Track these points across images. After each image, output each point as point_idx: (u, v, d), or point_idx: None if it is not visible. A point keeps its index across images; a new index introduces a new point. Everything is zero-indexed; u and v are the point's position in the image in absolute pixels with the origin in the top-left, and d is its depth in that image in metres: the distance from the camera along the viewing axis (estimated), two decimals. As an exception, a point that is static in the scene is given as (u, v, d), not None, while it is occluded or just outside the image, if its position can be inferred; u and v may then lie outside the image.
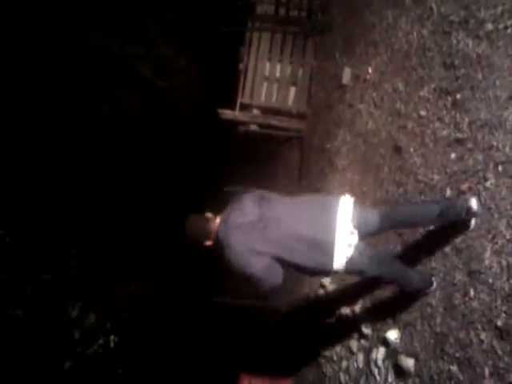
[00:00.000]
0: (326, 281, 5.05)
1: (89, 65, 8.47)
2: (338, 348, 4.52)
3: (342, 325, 4.47)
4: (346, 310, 4.43)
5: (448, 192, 3.02)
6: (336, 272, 2.65)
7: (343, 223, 2.58)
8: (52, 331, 8.82)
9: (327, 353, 4.77)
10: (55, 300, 9.15)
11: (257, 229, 2.61)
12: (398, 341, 3.38)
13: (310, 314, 5.49)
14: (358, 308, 4.18)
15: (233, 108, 6.66)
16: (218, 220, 2.73)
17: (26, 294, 8.94)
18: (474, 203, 2.58)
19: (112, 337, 9.64)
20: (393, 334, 3.42)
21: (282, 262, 2.63)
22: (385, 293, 3.74)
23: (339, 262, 2.56)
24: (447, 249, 2.94)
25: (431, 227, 3.08)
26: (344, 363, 4.32)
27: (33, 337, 8.51)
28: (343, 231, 2.56)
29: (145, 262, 10.15)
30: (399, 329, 3.40)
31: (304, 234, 2.57)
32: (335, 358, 4.55)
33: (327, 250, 2.54)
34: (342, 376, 4.33)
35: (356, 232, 2.60)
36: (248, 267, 2.61)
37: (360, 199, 4.49)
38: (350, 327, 4.30)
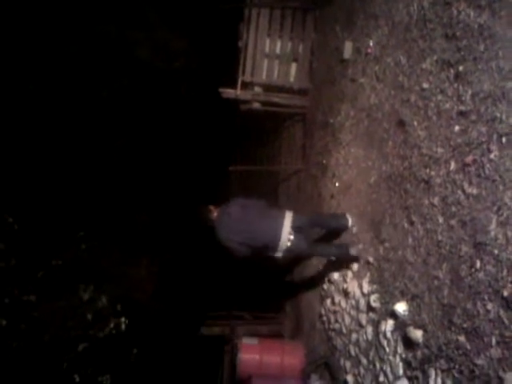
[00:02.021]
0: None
1: (88, 50, 8.42)
2: (347, 321, 4.59)
3: (349, 299, 4.54)
4: (353, 284, 4.49)
5: (452, 165, 3.03)
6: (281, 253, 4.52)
7: (286, 228, 4.43)
8: (65, 314, 8.98)
9: (337, 326, 4.85)
10: (67, 284, 9.29)
11: (235, 226, 4.50)
12: (406, 313, 3.43)
13: (317, 289, 5.57)
14: (365, 282, 4.23)
15: (234, 87, 6.62)
16: (215, 213, 4.62)
17: (37, 280, 9.08)
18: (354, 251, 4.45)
19: (123, 319, 9.80)
20: (401, 307, 3.47)
21: (247, 245, 4.54)
22: (391, 266, 3.79)
23: (282, 249, 4.47)
24: (453, 221, 2.97)
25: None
26: (354, 336, 4.40)
27: (47, 321, 8.67)
28: (286, 233, 4.42)
29: (155, 247, 10.25)
30: (407, 301, 3.46)
31: (263, 233, 4.46)
32: (345, 331, 4.63)
33: (275, 243, 4.44)
34: (352, 348, 4.41)
35: (293, 232, 4.45)
36: (225, 243, 4.54)
37: (366, 173, 4.53)
38: (357, 300, 4.37)
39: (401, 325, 3.49)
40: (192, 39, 9.29)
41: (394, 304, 3.58)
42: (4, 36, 8.37)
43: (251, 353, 5.72)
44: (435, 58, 3.44)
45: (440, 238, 3.10)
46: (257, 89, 6.74)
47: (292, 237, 4.43)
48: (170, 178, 10.37)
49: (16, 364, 8.22)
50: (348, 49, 5.39)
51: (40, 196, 9.31)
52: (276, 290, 7.20)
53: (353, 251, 4.45)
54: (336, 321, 4.84)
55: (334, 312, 4.90)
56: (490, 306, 2.54)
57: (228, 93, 6.56)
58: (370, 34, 4.77)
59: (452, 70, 3.20)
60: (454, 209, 2.98)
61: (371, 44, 4.71)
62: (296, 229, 4.49)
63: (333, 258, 4.83)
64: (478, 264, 2.66)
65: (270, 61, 6.76)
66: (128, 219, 9.95)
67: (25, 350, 8.33)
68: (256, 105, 6.76)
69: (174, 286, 10.11)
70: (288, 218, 4.48)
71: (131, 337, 9.71)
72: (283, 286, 6.92)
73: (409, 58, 3.88)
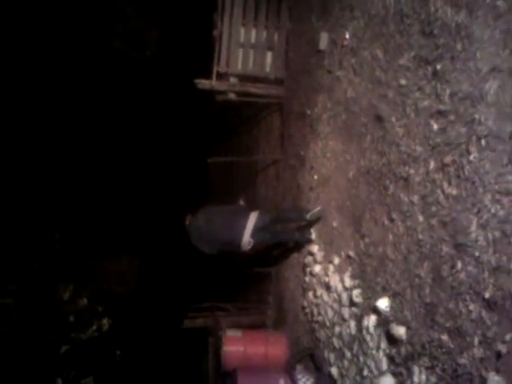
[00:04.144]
0: (314, 248, 5.14)
1: (62, 40, 8.19)
2: (329, 314, 4.63)
3: (331, 292, 4.58)
4: (335, 278, 4.53)
5: (432, 164, 3.04)
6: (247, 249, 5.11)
7: (247, 232, 4.99)
8: (46, 316, 8.88)
9: (320, 318, 4.89)
10: (46, 285, 9.15)
11: (202, 233, 5.14)
12: (388, 309, 3.47)
13: (299, 281, 5.61)
14: (347, 276, 4.26)
15: (210, 77, 6.53)
16: (187, 220, 5.21)
17: (14, 282, 8.92)
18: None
19: (105, 320, 9.75)
20: (383, 303, 3.51)
21: (215, 247, 5.24)
22: (372, 262, 3.82)
23: (246, 248, 5.05)
24: (433, 221, 2.99)
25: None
26: (337, 329, 4.44)
27: (26, 324, 8.56)
28: (247, 237, 5.00)
29: (134, 240, 10.16)
30: (389, 297, 3.49)
31: (227, 239, 5.08)
32: (328, 323, 4.67)
33: (238, 246, 5.05)
34: (336, 341, 4.46)
35: (254, 235, 5.02)
36: (196, 246, 5.21)
37: (344, 168, 4.54)
38: (339, 295, 4.41)
39: (383, 321, 3.53)
40: (165, 28, 9.10)
41: (376, 300, 3.62)
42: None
43: (235, 345, 5.73)
44: (413, 54, 3.42)
45: (421, 236, 3.13)
46: (232, 79, 6.67)
47: (252, 240, 5.04)
48: (147, 171, 10.25)
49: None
50: (324, 40, 5.34)
51: (12, 196, 9.11)
52: (257, 280, 7.23)
53: (309, 216, 5.00)
54: (319, 313, 4.88)
55: (317, 305, 4.93)
56: (472, 307, 2.58)
57: (203, 83, 6.46)
58: (346, 25, 4.73)
59: (430, 68, 3.19)
60: (433, 208, 3.00)
61: (347, 36, 4.67)
62: (258, 229, 5.06)
63: (297, 239, 5.49)
64: (459, 265, 2.69)
65: (245, 50, 6.68)
66: (105, 213, 9.83)
67: (5, 355, 8.21)
68: (232, 95, 6.68)
69: (157, 278, 10.07)
70: (251, 221, 5.03)
71: (114, 334, 9.66)
72: (264, 276, 6.95)
73: (385, 52, 3.86)
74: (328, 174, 4.96)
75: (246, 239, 5.00)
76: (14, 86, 8.84)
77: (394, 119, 3.62)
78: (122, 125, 9.78)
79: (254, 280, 7.42)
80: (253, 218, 5.06)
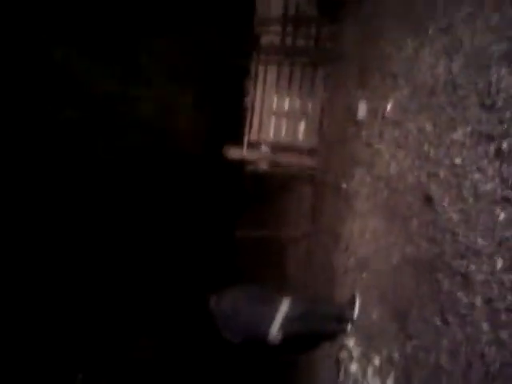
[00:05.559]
0: (349, 341, 4.51)
1: (86, 108, 8.13)
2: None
3: None
4: (374, 382, 3.87)
5: (499, 263, 2.49)
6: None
7: (278, 319, 4.34)
8: None
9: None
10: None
11: (228, 318, 4.47)
12: None
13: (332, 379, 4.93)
14: (389, 381, 3.61)
15: (240, 145, 6.22)
16: (212, 302, 4.59)
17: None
18: None
19: None
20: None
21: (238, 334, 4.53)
22: (421, 371, 3.19)
23: (273, 342, 4.40)
24: (503, 334, 2.40)
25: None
26: None
27: None
28: (274, 332, 4.35)
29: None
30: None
31: (252, 332, 4.47)
32: None
33: (263, 336, 4.40)
34: None
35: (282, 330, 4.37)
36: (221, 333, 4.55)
37: (387, 252, 3.99)
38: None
39: None
40: (197, 95, 8.96)
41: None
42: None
43: None
44: (469, 129, 2.96)
45: (486, 350, 2.52)
46: (264, 148, 6.34)
47: (280, 334, 4.37)
48: (174, 246, 9.83)
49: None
50: (362, 109, 4.97)
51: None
52: (285, 372, 6.55)
53: (355, 316, 4.35)
54: (354, 421, 4.19)
55: (352, 410, 4.25)
56: None
57: (233, 153, 6.15)
58: (388, 94, 4.34)
59: (492, 146, 2.71)
60: (504, 317, 2.42)
61: (389, 106, 4.27)
62: (289, 320, 4.39)
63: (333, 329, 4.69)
64: None
65: (277, 118, 6.39)
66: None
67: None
68: (263, 165, 6.33)
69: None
70: (281, 312, 4.38)
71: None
72: (293, 367, 6.27)
73: (435, 125, 3.41)
74: (367, 257, 4.41)
75: (274, 333, 4.35)
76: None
77: (446, 202, 3.11)
78: (147, 196, 9.55)
79: (279, 369, 6.73)
80: (284, 308, 4.41)
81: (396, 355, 3.58)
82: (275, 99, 6.36)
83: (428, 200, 3.37)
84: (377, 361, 3.89)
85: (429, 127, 3.49)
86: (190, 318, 8.83)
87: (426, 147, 3.51)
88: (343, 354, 4.57)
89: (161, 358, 9.61)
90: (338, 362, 4.70)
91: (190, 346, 9.35)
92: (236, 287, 4.83)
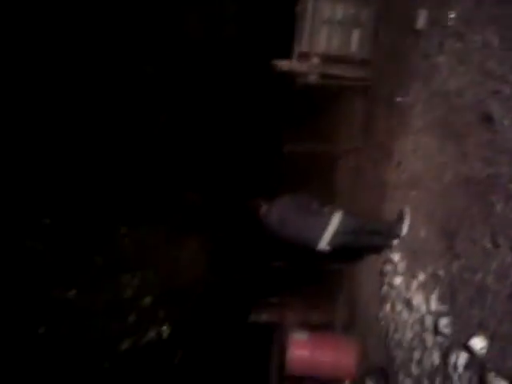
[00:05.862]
0: (395, 256, 4.59)
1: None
2: (408, 335, 4.11)
3: (413, 312, 4.04)
4: (418, 296, 3.98)
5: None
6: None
7: (329, 232, 4.42)
8: (107, 315, 8.76)
9: (396, 336, 4.38)
10: (108, 279, 9.06)
11: (276, 227, 4.62)
12: (483, 351, 2.91)
13: (375, 288, 5.08)
14: (433, 298, 3.71)
15: (289, 58, 6.03)
16: (262, 211, 4.71)
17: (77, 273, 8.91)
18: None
19: (165, 327, 9.50)
20: (478, 342, 2.95)
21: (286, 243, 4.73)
22: (467, 290, 3.24)
23: (321, 251, 4.55)
24: None
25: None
26: (416, 354, 3.92)
27: (87, 321, 8.52)
28: (327, 237, 4.43)
29: (205, 226, 9.84)
30: (486, 338, 2.93)
31: (301, 238, 4.58)
32: (405, 345, 4.16)
33: (312, 246, 4.51)
34: (414, 367, 3.95)
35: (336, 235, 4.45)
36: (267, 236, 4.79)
37: (439, 171, 3.92)
38: (422, 317, 3.86)
39: (477, 364, 2.97)
40: (244, 4, 8.53)
41: (469, 336, 3.06)
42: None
43: (302, 349, 5.36)
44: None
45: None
46: (314, 60, 6.10)
47: (329, 246, 4.49)
48: (222, 159, 9.89)
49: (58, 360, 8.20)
50: (422, 18, 4.66)
51: (74, 189, 9.13)
52: (328, 276, 6.77)
53: (404, 231, 4.33)
54: (396, 330, 4.36)
55: (394, 320, 4.41)
56: None
57: (282, 65, 5.97)
58: (451, 3, 4.03)
59: None
60: (558, 243, 2.39)
61: (452, 15, 3.99)
62: (339, 233, 4.46)
63: (380, 243, 4.75)
64: None
65: (329, 28, 6.08)
66: (174, 198, 9.62)
67: (65, 349, 8.30)
68: (313, 78, 6.13)
69: (224, 268, 9.78)
70: (333, 225, 4.43)
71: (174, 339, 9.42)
72: (336, 272, 6.47)
73: (502, 40, 3.19)
74: (418, 175, 4.35)
75: (323, 245, 4.46)
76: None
77: (508, 122, 2.98)
78: (193, 108, 9.49)
79: (324, 275, 6.97)
80: (335, 221, 4.45)
81: (441, 272, 3.63)
82: (328, 7, 6.00)
83: (487, 119, 3.23)
84: (421, 276, 3.96)
85: (495, 41, 3.27)
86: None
87: (490, 63, 3.30)
88: (388, 268, 4.68)
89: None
90: (382, 274, 4.82)
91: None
92: (286, 196, 4.85)
